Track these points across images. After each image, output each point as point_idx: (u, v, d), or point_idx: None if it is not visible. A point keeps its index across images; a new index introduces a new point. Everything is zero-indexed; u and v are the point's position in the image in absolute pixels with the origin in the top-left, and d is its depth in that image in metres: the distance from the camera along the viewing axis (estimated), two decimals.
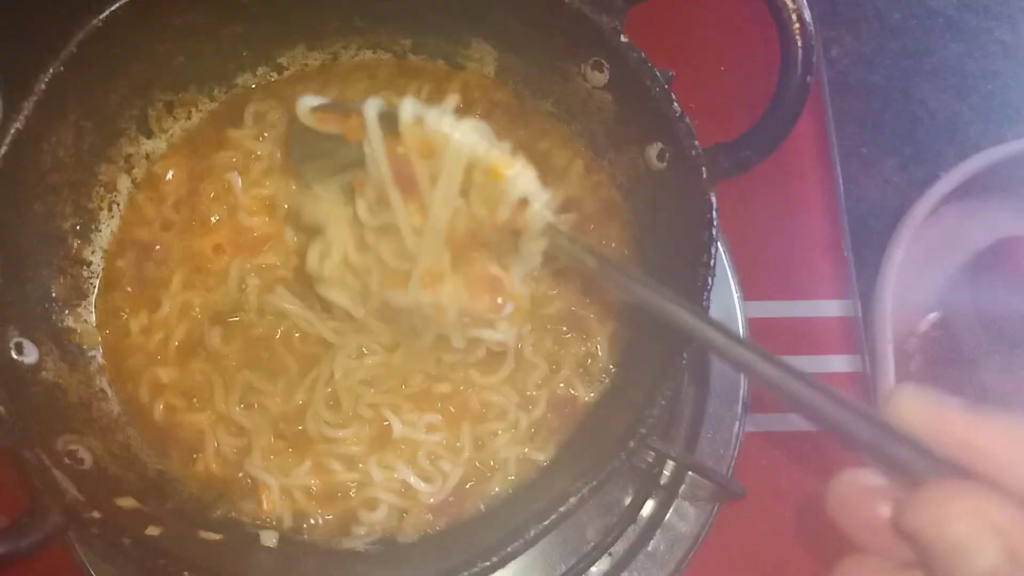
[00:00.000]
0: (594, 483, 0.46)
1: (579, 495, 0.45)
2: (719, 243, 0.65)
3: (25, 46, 0.51)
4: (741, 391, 0.64)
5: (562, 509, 0.45)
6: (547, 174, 0.53)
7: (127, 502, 0.47)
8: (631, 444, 0.46)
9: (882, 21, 0.91)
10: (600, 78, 0.55)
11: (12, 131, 0.48)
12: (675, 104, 0.51)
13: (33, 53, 0.49)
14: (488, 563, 0.45)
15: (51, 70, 0.49)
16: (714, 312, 0.63)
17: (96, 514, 0.44)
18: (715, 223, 0.50)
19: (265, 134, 0.57)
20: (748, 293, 0.66)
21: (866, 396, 0.66)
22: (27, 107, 0.48)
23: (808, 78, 0.47)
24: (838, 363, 0.67)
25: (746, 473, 0.62)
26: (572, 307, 0.56)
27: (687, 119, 0.51)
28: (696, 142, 0.51)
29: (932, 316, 0.78)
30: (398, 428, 0.52)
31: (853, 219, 0.82)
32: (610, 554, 0.59)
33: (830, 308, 0.69)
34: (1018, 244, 0.78)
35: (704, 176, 0.51)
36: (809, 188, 0.73)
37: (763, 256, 0.69)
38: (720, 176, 0.51)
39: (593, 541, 0.59)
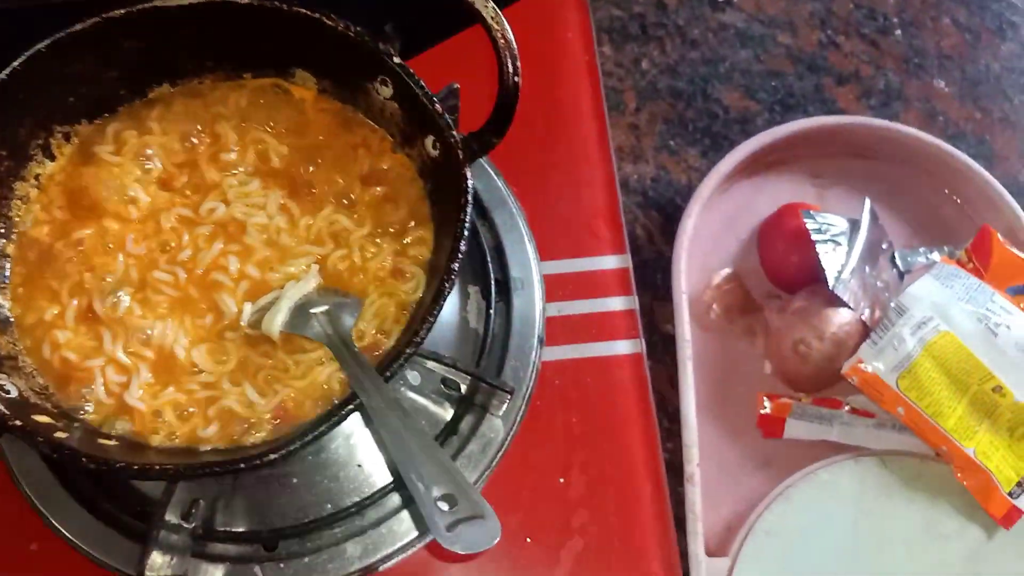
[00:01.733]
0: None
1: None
2: (520, 218, 0.83)
3: None
4: (536, 329, 0.79)
5: (354, 404, 0.60)
6: (370, 155, 0.73)
7: (42, 418, 0.60)
8: (408, 351, 0.60)
9: (683, 36, 1.07)
10: (387, 91, 0.70)
11: None
12: (437, 105, 0.66)
13: None
14: (311, 436, 0.59)
15: None
16: (514, 271, 0.81)
17: (18, 423, 0.57)
18: (469, 190, 0.64)
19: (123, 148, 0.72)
20: (543, 255, 0.83)
21: (635, 325, 0.83)
22: None
23: (517, 79, 0.62)
24: (616, 303, 0.83)
25: (541, 392, 0.78)
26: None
27: (447, 116, 0.66)
28: (455, 132, 0.65)
29: (724, 272, 0.94)
30: (247, 356, 0.66)
31: (664, 198, 0.99)
32: None
33: (609, 262, 0.84)
34: (790, 208, 0.93)
35: (460, 157, 0.65)
36: (593, 172, 0.89)
37: (555, 226, 0.85)
38: (473, 156, 0.65)
39: None
